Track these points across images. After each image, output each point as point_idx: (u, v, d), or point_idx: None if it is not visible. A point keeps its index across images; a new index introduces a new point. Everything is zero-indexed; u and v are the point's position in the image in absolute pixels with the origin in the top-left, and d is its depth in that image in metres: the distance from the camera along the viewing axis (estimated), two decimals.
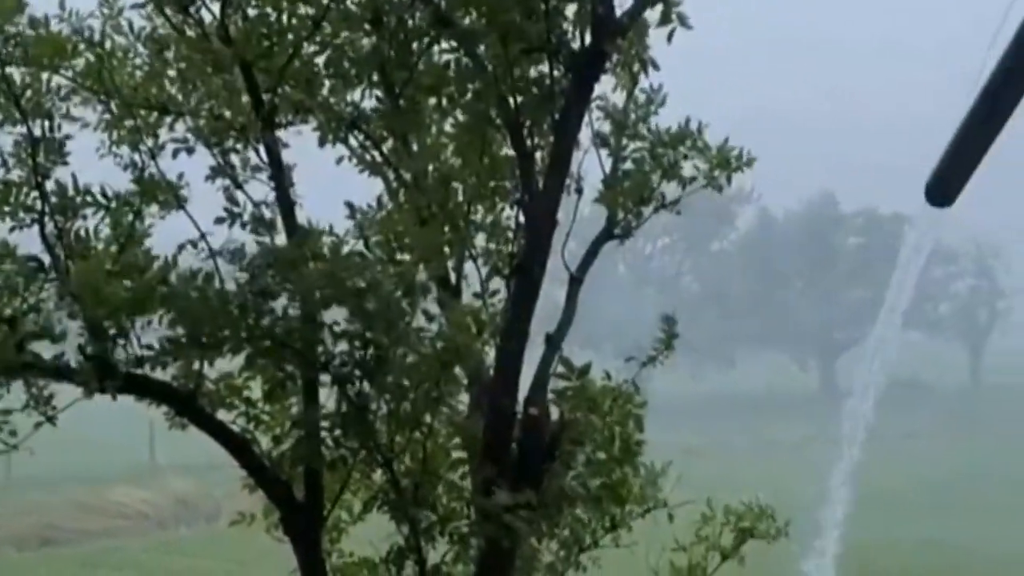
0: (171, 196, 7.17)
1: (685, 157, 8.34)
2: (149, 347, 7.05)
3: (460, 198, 7.96)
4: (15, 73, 6.93)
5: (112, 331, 6.94)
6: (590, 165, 8.20)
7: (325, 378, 7.31)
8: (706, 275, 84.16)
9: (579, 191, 8.07)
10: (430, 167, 7.79)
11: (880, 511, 37.52)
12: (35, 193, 7.00)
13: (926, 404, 72.54)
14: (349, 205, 7.27)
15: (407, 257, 7.45)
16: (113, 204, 7.09)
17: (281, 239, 7.26)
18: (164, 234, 7.36)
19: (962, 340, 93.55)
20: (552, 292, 8.12)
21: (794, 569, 22.87)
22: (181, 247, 7.06)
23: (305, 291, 6.98)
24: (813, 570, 23.98)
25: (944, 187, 6.96)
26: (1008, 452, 55.51)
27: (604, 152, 8.29)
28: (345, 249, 7.18)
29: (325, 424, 7.30)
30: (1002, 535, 37.58)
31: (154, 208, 7.20)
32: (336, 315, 7.14)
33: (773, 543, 8.72)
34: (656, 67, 7.89)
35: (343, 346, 7.16)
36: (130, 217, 7.14)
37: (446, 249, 7.88)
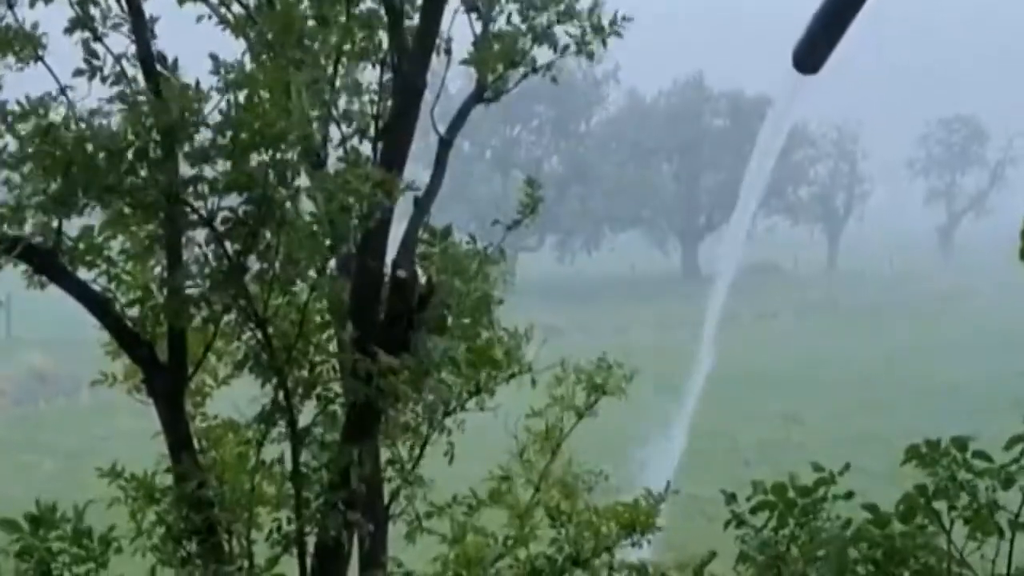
0: (30, 47, 6.90)
1: (558, 21, 8.29)
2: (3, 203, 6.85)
3: (323, 58, 7.78)
4: None
5: None
6: (460, 30, 8.11)
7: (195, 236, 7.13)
8: (573, 157, 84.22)
9: (448, 52, 7.98)
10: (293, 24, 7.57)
11: (738, 387, 38.50)
12: None
13: (784, 287, 74.15)
14: (214, 58, 7.06)
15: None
16: None
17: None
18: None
19: (821, 224, 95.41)
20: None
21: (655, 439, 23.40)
22: (42, 99, 6.81)
23: (195, 149, 6.80)
24: (668, 438, 24.58)
25: (812, 53, 6.97)
26: (859, 335, 57.12)
27: (475, 16, 8.20)
28: (209, 106, 6.99)
29: (195, 283, 7.16)
30: (850, 412, 38.82)
31: (10, 59, 6.94)
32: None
33: (623, 398, 8.83)
34: None
35: (226, 202, 6.98)
36: None
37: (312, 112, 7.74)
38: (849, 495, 6.62)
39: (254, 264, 7.12)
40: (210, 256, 7.08)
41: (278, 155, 6.84)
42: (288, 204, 6.90)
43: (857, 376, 45.93)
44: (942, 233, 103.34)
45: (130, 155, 6.70)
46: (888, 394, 42.14)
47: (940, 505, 6.47)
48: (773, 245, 78.91)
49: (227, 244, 7.01)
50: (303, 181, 7.04)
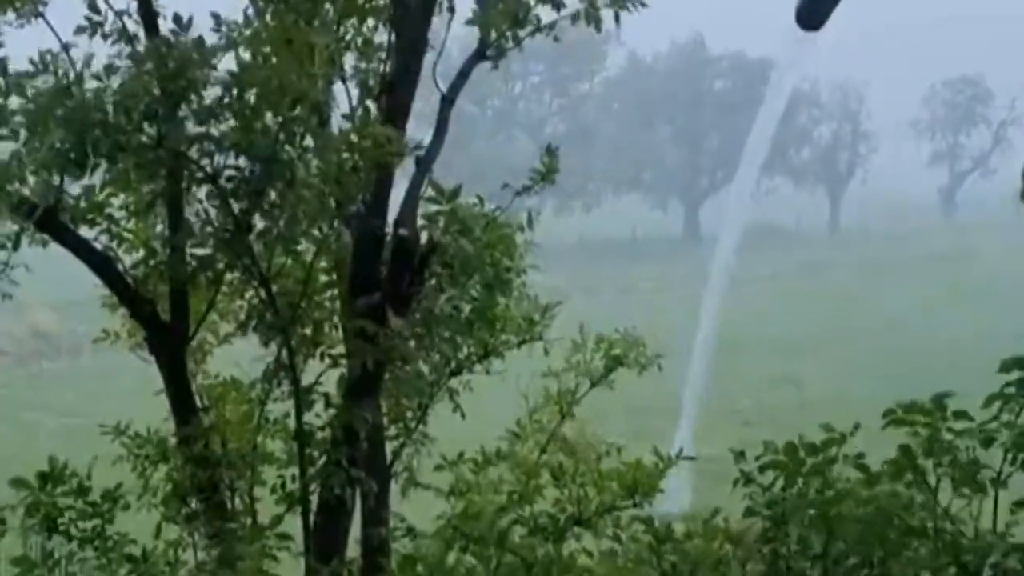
0: (30, 3, 6.87)
1: None
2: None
3: (329, 15, 7.74)
4: None
5: None
6: None
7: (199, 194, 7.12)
8: (574, 117, 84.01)
9: (451, 10, 7.93)
10: None
11: (738, 349, 38.49)
12: None
13: (786, 248, 74.09)
14: (215, 16, 7.02)
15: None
16: None
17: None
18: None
19: (824, 185, 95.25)
20: None
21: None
22: (44, 56, 6.77)
23: (202, 107, 6.78)
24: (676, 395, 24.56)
25: (815, 9, 6.93)
26: (861, 296, 57.12)
27: None
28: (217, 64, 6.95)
29: (198, 241, 7.16)
30: (851, 373, 38.86)
31: (10, 16, 6.92)
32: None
33: (643, 375, 8.83)
34: None
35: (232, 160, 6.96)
36: None
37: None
38: (860, 456, 6.64)
39: (258, 223, 7.11)
40: (214, 214, 7.07)
41: (290, 114, 6.81)
42: (296, 164, 6.88)
43: (858, 336, 45.98)
44: (944, 194, 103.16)
45: (138, 113, 6.67)
46: (889, 354, 42.17)
47: (927, 464, 6.49)
48: (775, 206, 78.73)
49: (232, 202, 7.00)
50: (309, 140, 7.01)
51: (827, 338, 45.61)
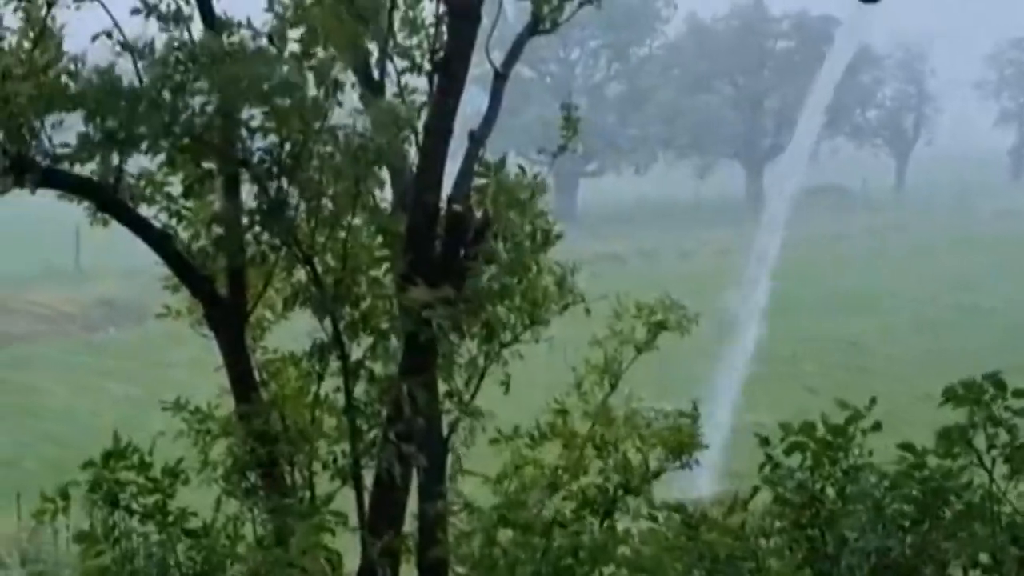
0: None
1: None
2: (65, 144, 6.95)
3: None
4: None
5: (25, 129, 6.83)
6: None
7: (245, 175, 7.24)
8: (634, 81, 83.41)
9: None
10: None
11: (801, 312, 38.21)
12: None
13: (850, 209, 73.40)
14: None
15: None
16: None
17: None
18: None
19: (889, 146, 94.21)
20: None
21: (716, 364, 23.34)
22: (95, 38, 6.88)
23: (224, 87, 6.87)
24: (733, 361, 24.46)
25: None
26: (927, 258, 56.52)
27: None
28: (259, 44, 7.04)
29: (245, 220, 7.25)
30: (916, 336, 38.52)
31: None
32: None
33: (687, 335, 8.78)
34: None
35: (263, 142, 7.07)
36: (44, 10, 6.95)
37: (368, 44, 7.76)
38: (877, 426, 6.54)
39: (300, 202, 7.23)
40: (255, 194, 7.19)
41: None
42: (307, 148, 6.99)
43: (924, 299, 45.48)
44: (1015, 156, 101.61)
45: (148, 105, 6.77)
46: (955, 318, 41.76)
47: (979, 442, 6.38)
48: (840, 168, 78.04)
49: (268, 183, 7.12)
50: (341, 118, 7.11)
51: (893, 300, 45.15)
